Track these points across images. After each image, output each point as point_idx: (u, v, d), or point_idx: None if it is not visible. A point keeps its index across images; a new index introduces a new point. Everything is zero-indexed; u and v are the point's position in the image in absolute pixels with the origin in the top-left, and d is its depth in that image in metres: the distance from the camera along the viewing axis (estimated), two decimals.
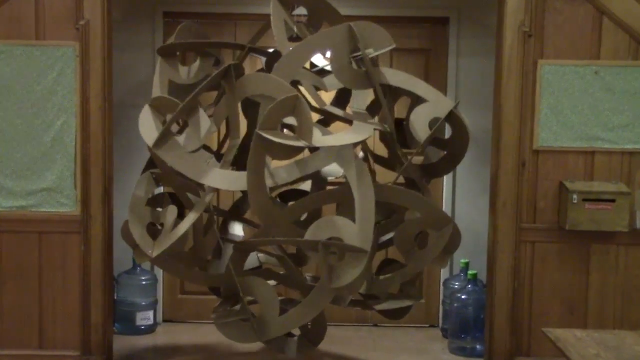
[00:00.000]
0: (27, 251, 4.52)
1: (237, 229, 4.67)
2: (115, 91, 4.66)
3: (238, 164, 4.01)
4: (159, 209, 4.09)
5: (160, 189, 4.60)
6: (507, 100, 4.44)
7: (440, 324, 5.51)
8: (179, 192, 4.10)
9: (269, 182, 3.71)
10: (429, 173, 4.15)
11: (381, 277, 4.18)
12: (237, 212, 4.66)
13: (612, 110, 4.43)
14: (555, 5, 4.40)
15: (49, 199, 4.49)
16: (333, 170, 4.29)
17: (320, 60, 4.36)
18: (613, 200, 4.33)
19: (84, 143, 4.47)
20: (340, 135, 3.78)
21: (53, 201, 4.50)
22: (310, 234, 3.56)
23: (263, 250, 4.38)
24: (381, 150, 4.46)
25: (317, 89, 4.07)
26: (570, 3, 4.39)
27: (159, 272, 5.46)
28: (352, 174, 3.60)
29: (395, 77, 4.01)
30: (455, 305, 5.06)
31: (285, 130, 4.00)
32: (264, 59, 4.47)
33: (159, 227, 4.02)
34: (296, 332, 4.31)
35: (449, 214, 5.45)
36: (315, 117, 4.50)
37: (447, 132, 4.24)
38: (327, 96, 4.63)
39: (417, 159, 4.17)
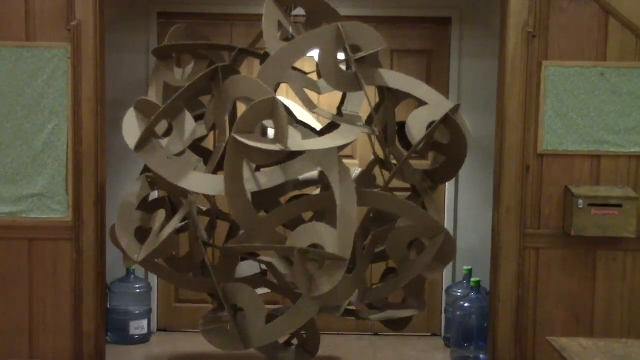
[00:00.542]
0: (17, 259, 4.52)
1: None
2: (108, 94, 4.66)
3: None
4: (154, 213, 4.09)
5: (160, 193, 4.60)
6: (510, 102, 4.44)
7: (442, 333, 5.50)
8: (173, 195, 4.11)
9: (252, 187, 3.70)
10: (432, 179, 4.14)
11: (374, 286, 4.17)
12: None
13: (619, 113, 4.43)
14: (560, 5, 4.40)
15: (39, 205, 4.49)
16: None
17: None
18: (620, 206, 4.33)
19: (75, 147, 4.46)
20: (322, 139, 3.77)
21: (44, 207, 4.49)
22: (291, 241, 3.55)
23: (250, 256, 4.36)
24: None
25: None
26: (575, 3, 4.39)
27: (154, 280, 5.45)
28: (335, 179, 3.59)
29: (395, 79, 4.00)
30: (458, 313, 5.05)
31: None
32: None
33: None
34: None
35: (452, 219, 5.45)
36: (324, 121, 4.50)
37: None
38: (329, 98, 4.64)
39: (422, 165, 4.16)
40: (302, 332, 4.30)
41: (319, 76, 4.01)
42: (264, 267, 4.50)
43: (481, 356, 4.93)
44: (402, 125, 4.11)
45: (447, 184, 5.39)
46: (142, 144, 3.77)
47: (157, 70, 4.24)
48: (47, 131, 4.45)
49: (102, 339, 4.63)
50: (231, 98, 3.86)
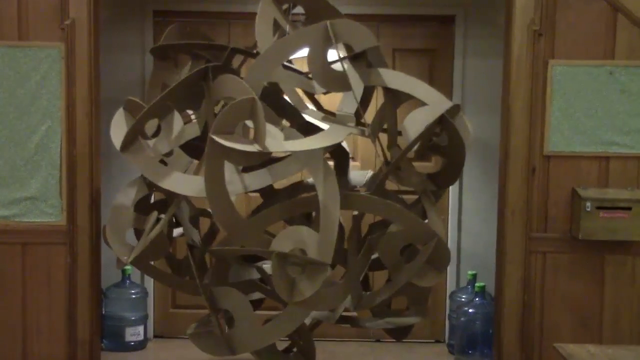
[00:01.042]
0: (9, 263, 4.50)
1: None
2: (103, 94, 4.64)
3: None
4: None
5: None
6: (516, 102, 4.43)
7: (446, 340, 5.49)
8: (169, 197, 4.10)
9: (239, 189, 3.69)
10: (435, 183, 4.11)
11: (367, 292, 4.15)
12: None
13: (628, 113, 4.42)
14: (567, 2, 4.39)
15: (32, 209, 4.48)
16: (356, 179, 4.27)
17: None
18: (629, 208, 4.32)
19: (69, 149, 4.46)
20: (304, 140, 3.75)
21: (37, 211, 4.48)
22: (275, 245, 3.54)
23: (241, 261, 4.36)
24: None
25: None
26: (582, 0, 4.39)
27: (150, 285, 5.45)
28: (319, 181, 3.58)
29: (395, 78, 3.98)
30: (462, 319, 5.05)
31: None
32: None
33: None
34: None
35: (455, 222, 5.44)
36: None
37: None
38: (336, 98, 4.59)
39: (426, 168, 4.15)
40: (300, 340, 4.29)
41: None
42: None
43: None
44: None
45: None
46: (128, 144, 3.77)
47: (155, 70, 4.23)
48: (40, 133, 4.44)
49: (96, 345, 4.62)
50: (217, 98, 3.86)
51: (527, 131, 4.43)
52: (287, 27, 4.08)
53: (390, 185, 4.29)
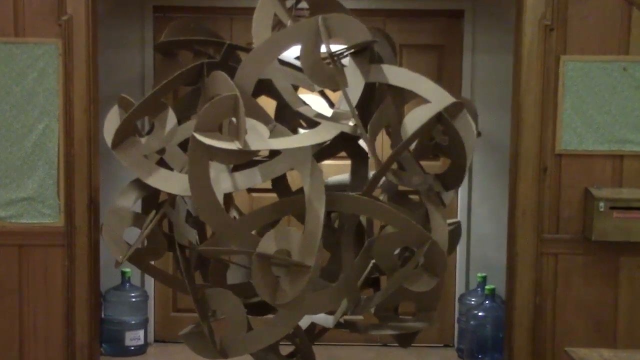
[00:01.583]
0: (6, 266, 4.50)
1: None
2: (101, 92, 4.64)
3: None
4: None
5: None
6: (527, 100, 4.42)
7: (455, 344, 5.48)
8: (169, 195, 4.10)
9: (228, 187, 3.69)
10: (442, 184, 4.08)
11: (365, 297, 4.13)
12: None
13: None
14: None
15: (29, 210, 4.48)
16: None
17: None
18: None
19: (67, 149, 4.45)
20: (289, 138, 3.74)
21: (34, 212, 4.48)
22: (262, 246, 3.53)
23: (232, 261, 4.35)
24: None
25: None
26: None
27: (150, 288, 5.44)
28: (307, 180, 3.57)
29: (397, 75, 3.94)
30: (471, 323, 5.04)
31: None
32: None
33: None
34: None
35: (465, 223, 5.42)
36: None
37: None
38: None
39: (433, 169, 4.11)
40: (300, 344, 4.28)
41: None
42: None
43: None
44: None
45: None
46: (118, 141, 3.77)
47: (160, 68, 4.23)
48: (37, 132, 4.44)
49: (95, 350, 4.62)
50: (209, 96, 3.85)
51: (538, 129, 4.42)
52: (289, 23, 4.06)
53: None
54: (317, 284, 3.70)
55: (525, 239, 4.47)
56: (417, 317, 4.13)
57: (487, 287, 5.04)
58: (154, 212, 4.03)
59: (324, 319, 4.19)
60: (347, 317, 4.20)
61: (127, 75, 5.31)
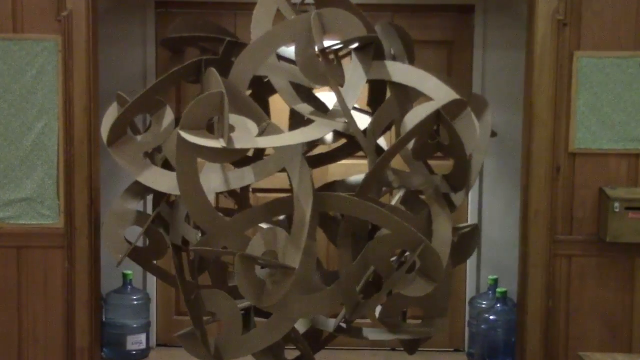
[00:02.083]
0: (4, 268, 4.52)
1: None
2: (102, 89, 4.64)
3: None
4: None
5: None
6: (539, 97, 4.41)
7: (466, 348, 5.47)
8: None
9: (221, 187, 3.70)
10: (450, 184, 4.06)
11: (362, 301, 4.12)
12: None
13: None
14: None
15: (28, 210, 4.48)
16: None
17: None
18: None
19: (67, 147, 4.47)
20: (281, 136, 3.74)
21: (33, 212, 4.49)
22: (251, 246, 3.54)
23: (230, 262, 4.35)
24: None
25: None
26: None
27: (152, 291, 5.44)
28: (294, 180, 3.57)
29: (401, 72, 3.93)
30: (482, 326, 5.03)
31: None
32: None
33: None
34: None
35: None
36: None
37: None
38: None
39: (441, 169, 4.09)
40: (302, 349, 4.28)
41: None
42: None
43: None
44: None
45: None
46: (114, 138, 3.77)
47: (169, 65, 4.22)
48: (36, 130, 4.45)
49: (96, 354, 4.64)
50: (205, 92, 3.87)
51: (551, 127, 4.42)
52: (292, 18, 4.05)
53: None
54: (312, 286, 3.70)
55: (537, 240, 4.47)
56: (424, 323, 4.12)
57: (498, 289, 5.03)
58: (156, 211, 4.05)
59: (323, 322, 4.19)
60: (356, 322, 4.19)
61: (129, 72, 5.30)
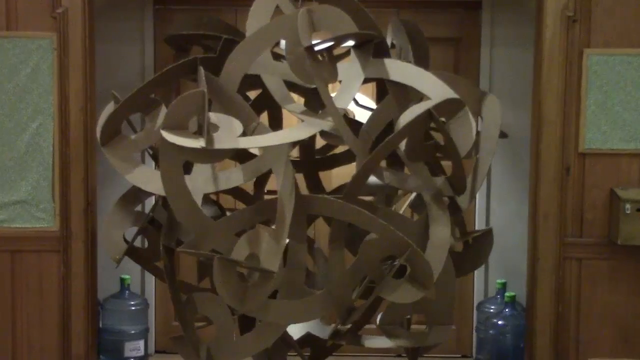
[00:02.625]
0: None
1: None
2: (99, 88, 4.65)
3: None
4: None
5: None
6: (548, 96, 4.42)
7: (474, 354, 5.47)
8: None
9: (210, 188, 3.71)
10: (452, 187, 4.04)
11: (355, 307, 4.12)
12: None
13: None
14: None
15: (22, 213, 4.49)
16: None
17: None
18: None
19: (62, 148, 4.47)
20: (265, 137, 3.74)
21: (28, 215, 4.50)
22: (236, 249, 3.55)
23: None
24: None
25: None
26: None
27: (151, 296, 5.44)
28: (279, 181, 3.58)
29: (400, 70, 3.92)
30: (491, 332, 5.03)
31: None
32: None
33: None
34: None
35: (482, 227, 5.40)
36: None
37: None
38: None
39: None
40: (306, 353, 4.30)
41: None
42: None
43: None
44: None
45: None
46: (107, 138, 3.78)
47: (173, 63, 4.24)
48: (30, 131, 4.46)
49: None
50: None
51: (560, 127, 4.43)
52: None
53: None
54: (300, 291, 3.71)
55: (547, 243, 4.48)
56: (427, 331, 4.10)
57: (507, 294, 5.02)
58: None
59: (318, 329, 4.19)
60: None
61: (126, 70, 5.31)
